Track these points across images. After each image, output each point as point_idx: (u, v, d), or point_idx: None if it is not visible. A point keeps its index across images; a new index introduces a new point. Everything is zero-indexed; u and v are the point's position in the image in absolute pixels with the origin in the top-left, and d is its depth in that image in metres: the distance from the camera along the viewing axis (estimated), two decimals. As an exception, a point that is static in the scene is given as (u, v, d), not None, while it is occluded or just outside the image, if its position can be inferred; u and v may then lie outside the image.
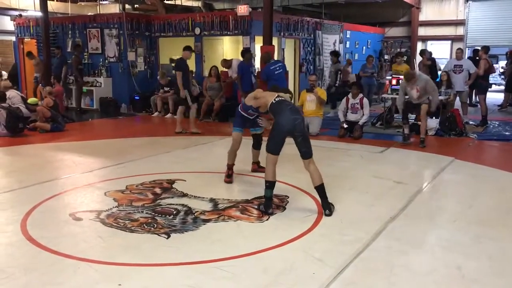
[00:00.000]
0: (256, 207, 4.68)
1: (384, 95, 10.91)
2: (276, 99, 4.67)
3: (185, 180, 5.67)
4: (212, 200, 4.90)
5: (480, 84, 10.39)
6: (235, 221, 4.33)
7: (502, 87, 14.32)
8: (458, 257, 3.62)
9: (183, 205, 4.74)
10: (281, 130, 4.49)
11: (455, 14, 18.18)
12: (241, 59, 10.34)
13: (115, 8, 17.24)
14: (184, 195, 5.09)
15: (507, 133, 9.21)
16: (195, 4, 16.71)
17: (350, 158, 7.18)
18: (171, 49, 12.93)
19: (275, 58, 11.05)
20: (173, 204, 4.76)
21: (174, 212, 4.51)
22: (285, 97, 4.84)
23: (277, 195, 5.04)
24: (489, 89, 11.51)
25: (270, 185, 4.54)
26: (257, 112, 5.36)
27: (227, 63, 10.66)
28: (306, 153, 4.54)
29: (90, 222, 4.29)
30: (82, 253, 3.61)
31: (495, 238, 3.98)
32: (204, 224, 4.25)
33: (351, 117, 8.83)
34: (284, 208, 4.71)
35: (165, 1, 16.58)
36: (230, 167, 5.68)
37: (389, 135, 9.05)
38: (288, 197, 5.04)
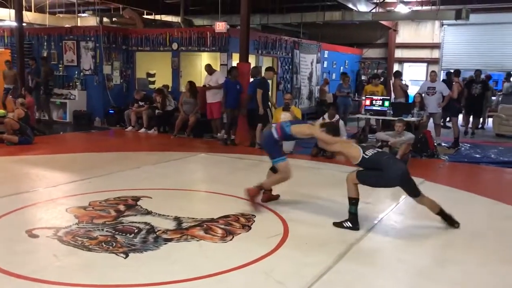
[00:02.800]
0: (222, 226, 4.59)
1: (358, 115, 10.98)
2: (367, 154, 4.60)
3: (151, 197, 5.53)
4: (176, 218, 4.78)
5: (453, 107, 10.54)
6: (197, 240, 4.23)
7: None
8: (421, 281, 3.58)
9: (146, 223, 4.61)
10: (389, 183, 4.65)
11: (431, 37, 18.54)
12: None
13: (93, 21, 17.09)
14: (148, 212, 4.96)
15: (477, 156, 9.32)
16: (175, 19, 16.69)
17: (322, 178, 7.16)
18: (148, 63, 12.88)
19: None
20: (136, 222, 4.63)
21: (136, 231, 4.39)
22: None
23: (243, 214, 4.97)
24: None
25: (355, 201, 4.64)
26: (296, 139, 5.39)
27: (210, 69, 10.56)
28: (415, 194, 4.65)
29: (47, 240, 4.13)
30: (34, 273, 3.45)
31: (459, 261, 3.96)
32: (165, 243, 4.13)
33: None
34: (250, 228, 4.63)
35: (144, 16, 16.54)
36: (263, 189, 5.30)
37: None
38: (255, 216, 4.96)
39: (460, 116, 11.36)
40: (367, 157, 4.57)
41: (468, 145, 10.52)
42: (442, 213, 4.70)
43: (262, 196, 5.40)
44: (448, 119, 12.36)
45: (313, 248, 4.16)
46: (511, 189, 7.01)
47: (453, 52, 18.26)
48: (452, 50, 18.30)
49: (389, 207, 5.53)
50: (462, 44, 18.06)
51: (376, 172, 4.56)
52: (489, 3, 15.32)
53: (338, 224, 4.65)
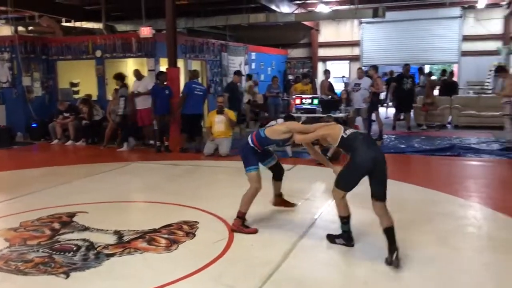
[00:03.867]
0: (165, 236, 4.50)
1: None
2: (348, 133, 4.11)
3: (87, 212, 5.32)
4: (116, 232, 4.62)
5: (374, 101, 11.04)
6: (141, 253, 4.12)
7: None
8: (364, 271, 3.71)
9: (84, 240, 4.42)
10: (360, 171, 3.95)
11: (351, 35, 19.33)
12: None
13: (7, 31, 16.09)
14: (86, 228, 4.76)
15: (402, 146, 9.85)
16: (96, 26, 16.12)
17: (262, 178, 7.18)
18: (70, 72, 12.34)
19: (182, 79, 11.03)
20: (73, 240, 4.42)
21: (74, 249, 4.19)
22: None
23: (186, 222, 4.91)
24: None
25: (347, 220, 4.21)
26: (281, 145, 4.96)
27: (139, 74, 10.28)
28: (381, 194, 3.91)
29: (-24, 268, 3.84)
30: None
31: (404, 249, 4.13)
32: (108, 259, 3.99)
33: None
34: (194, 235, 4.58)
35: (63, 23, 15.82)
36: (242, 215, 4.66)
37: (295, 153, 9.25)
38: (198, 222, 4.91)
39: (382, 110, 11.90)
40: (345, 136, 4.08)
41: (393, 136, 11.08)
42: (390, 231, 3.84)
43: (274, 200, 5.23)
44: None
45: (259, 249, 4.20)
46: (436, 176, 7.46)
47: (372, 49, 19.18)
48: (371, 46, 19.20)
49: (327, 202, 5.67)
50: (380, 41, 19.00)
51: (349, 163, 4.06)
52: (403, 1, 16.22)
53: (331, 239, 4.31)
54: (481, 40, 17.33)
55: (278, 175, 5.11)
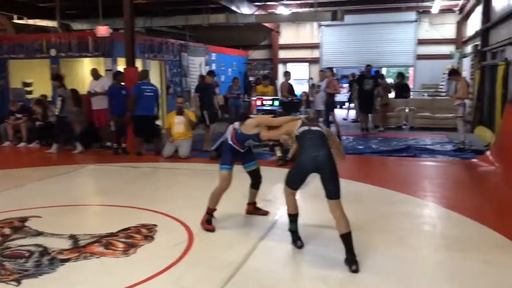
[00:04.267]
0: (123, 240, 4.38)
1: (250, 115, 11.18)
2: (300, 131, 4.07)
3: (41, 217, 5.12)
4: (72, 236, 4.47)
5: (331, 102, 11.21)
6: (98, 257, 3.99)
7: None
8: (324, 271, 3.73)
9: (37, 245, 4.25)
10: (302, 169, 4.00)
11: (311, 38, 19.57)
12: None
13: (-46, 27, 15.37)
14: (39, 233, 4.58)
15: (360, 147, 10.03)
16: (50, 24, 15.62)
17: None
18: (23, 71, 11.88)
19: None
20: (26, 245, 4.24)
21: (27, 255, 4.02)
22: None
23: (145, 225, 4.81)
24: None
25: (294, 218, 4.19)
26: (258, 142, 4.80)
27: (96, 74, 10.00)
28: (331, 192, 3.84)
29: None
30: None
31: (363, 246, 4.17)
32: (63, 264, 3.85)
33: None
34: (153, 238, 4.49)
35: (15, 21, 15.23)
36: (211, 212, 4.76)
37: (257, 154, 9.26)
38: (157, 225, 4.82)
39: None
40: (297, 134, 4.09)
41: (351, 137, 11.27)
42: (347, 237, 3.79)
43: (247, 208, 5.18)
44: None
45: (220, 250, 4.16)
46: (393, 176, 7.63)
47: (331, 51, 19.49)
48: (330, 49, 19.52)
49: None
50: (339, 44, 19.34)
51: (295, 162, 4.13)
52: (362, 5, 16.56)
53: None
54: (435, 44, 17.93)
55: (256, 183, 5.08)
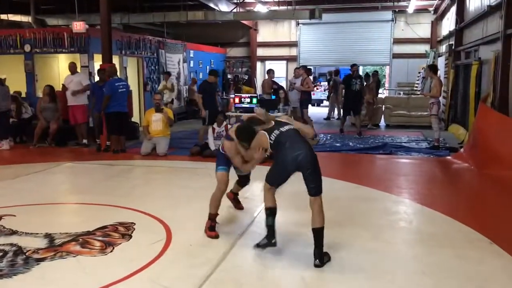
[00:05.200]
0: (100, 238, 4.34)
1: (228, 113, 11.19)
2: (272, 139, 3.93)
3: (15, 215, 5.03)
4: (47, 235, 4.41)
5: (305, 99, 11.31)
6: (74, 256, 3.95)
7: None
8: (302, 269, 3.77)
9: (12, 244, 4.18)
10: (283, 169, 3.91)
11: (289, 36, 19.62)
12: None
13: None
14: (14, 232, 4.50)
15: (338, 144, 10.13)
16: (24, 19, 15.29)
17: (200, 177, 7.14)
18: (-4, 67, 11.62)
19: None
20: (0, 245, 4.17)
21: (0, 254, 3.95)
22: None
23: (122, 223, 4.77)
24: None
25: (270, 212, 4.00)
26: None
27: (74, 68, 9.80)
28: (313, 189, 3.84)
29: None
30: None
31: (340, 244, 4.23)
32: (38, 264, 3.79)
33: (216, 143, 8.65)
34: (130, 237, 4.45)
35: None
36: (213, 217, 4.54)
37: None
38: (135, 224, 4.79)
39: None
40: (271, 142, 3.96)
41: (329, 135, 11.38)
42: (318, 234, 3.84)
43: (228, 194, 5.08)
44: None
45: (198, 249, 4.15)
46: (370, 173, 7.74)
47: (309, 50, 19.56)
48: (308, 47, 19.58)
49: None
50: (317, 42, 19.41)
51: (275, 161, 4.01)
52: (339, 3, 16.69)
53: (257, 246, 4.05)
54: (410, 43, 18.19)
55: (243, 182, 5.11)
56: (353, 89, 11.38)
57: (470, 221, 4.88)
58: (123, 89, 9.12)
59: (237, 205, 5.33)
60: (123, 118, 9.17)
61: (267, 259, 4.02)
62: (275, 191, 4.05)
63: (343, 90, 12.26)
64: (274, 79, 12.33)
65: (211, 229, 4.47)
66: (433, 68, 10.07)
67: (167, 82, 13.35)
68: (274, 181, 4.00)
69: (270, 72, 12.46)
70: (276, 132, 3.94)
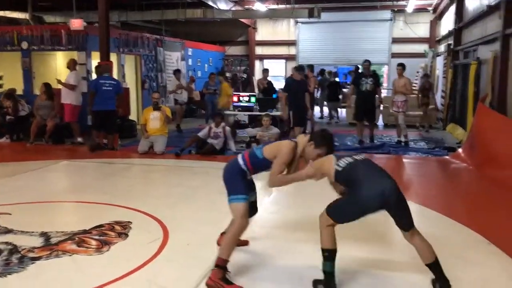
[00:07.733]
0: (96, 237, 4.30)
1: (227, 111, 11.17)
2: (341, 165, 3.28)
3: (10, 214, 4.99)
4: (43, 234, 4.37)
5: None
6: (70, 255, 3.91)
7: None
8: (299, 268, 3.74)
9: (7, 243, 4.13)
10: (364, 208, 3.21)
11: (287, 35, 19.60)
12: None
13: None
14: (9, 231, 4.46)
15: (336, 144, 10.05)
16: (22, 16, 15.24)
17: (197, 176, 7.12)
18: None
19: (115, 75, 10.66)
20: (-6, 243, 4.13)
21: (-5, 253, 3.92)
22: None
23: (118, 222, 4.73)
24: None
25: (329, 255, 3.27)
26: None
27: (73, 65, 9.74)
28: (406, 225, 3.24)
29: None
30: None
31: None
32: (33, 262, 3.75)
33: (212, 141, 8.67)
34: (127, 236, 4.42)
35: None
36: (224, 264, 3.40)
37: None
38: (131, 222, 4.75)
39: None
40: (340, 169, 3.28)
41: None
42: (435, 266, 3.30)
43: (219, 238, 4.03)
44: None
45: (195, 248, 4.12)
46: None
47: (308, 48, 19.55)
48: (307, 46, 19.57)
49: (264, 198, 5.68)
50: (315, 41, 19.41)
51: (352, 195, 3.27)
52: (338, 2, 16.67)
53: (314, 284, 3.38)
54: (409, 43, 18.18)
55: (252, 213, 3.80)
56: (363, 90, 9.70)
57: (468, 221, 4.86)
58: (108, 87, 8.96)
59: (242, 242, 4.04)
60: (108, 116, 9.03)
61: (265, 257, 3.99)
62: (335, 227, 3.33)
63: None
64: (272, 79, 12.34)
65: (226, 281, 3.33)
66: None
67: (180, 80, 12.60)
68: (346, 220, 3.32)
69: (265, 71, 12.49)
70: (349, 160, 3.32)
